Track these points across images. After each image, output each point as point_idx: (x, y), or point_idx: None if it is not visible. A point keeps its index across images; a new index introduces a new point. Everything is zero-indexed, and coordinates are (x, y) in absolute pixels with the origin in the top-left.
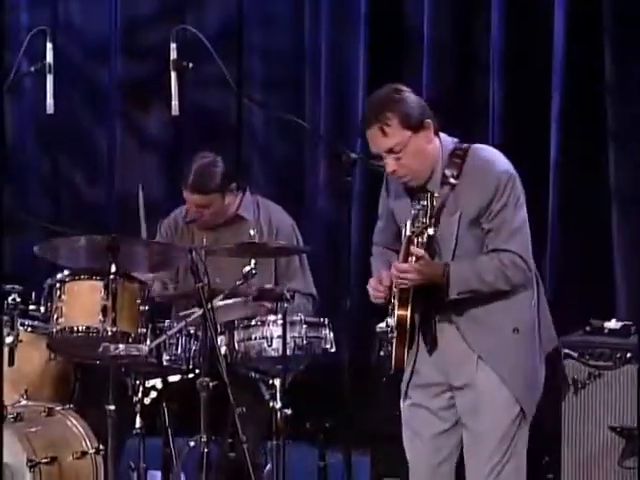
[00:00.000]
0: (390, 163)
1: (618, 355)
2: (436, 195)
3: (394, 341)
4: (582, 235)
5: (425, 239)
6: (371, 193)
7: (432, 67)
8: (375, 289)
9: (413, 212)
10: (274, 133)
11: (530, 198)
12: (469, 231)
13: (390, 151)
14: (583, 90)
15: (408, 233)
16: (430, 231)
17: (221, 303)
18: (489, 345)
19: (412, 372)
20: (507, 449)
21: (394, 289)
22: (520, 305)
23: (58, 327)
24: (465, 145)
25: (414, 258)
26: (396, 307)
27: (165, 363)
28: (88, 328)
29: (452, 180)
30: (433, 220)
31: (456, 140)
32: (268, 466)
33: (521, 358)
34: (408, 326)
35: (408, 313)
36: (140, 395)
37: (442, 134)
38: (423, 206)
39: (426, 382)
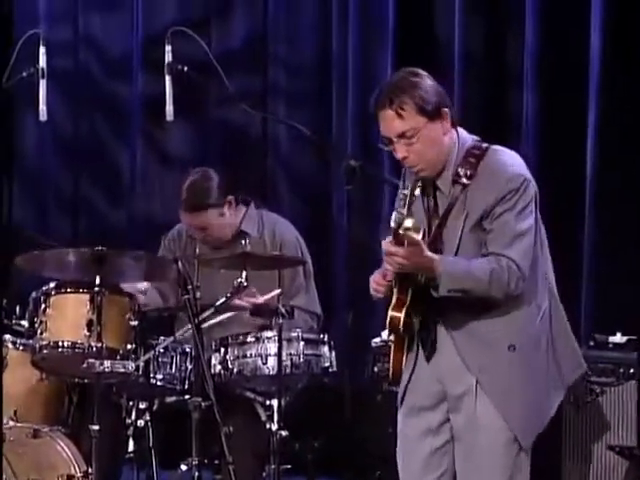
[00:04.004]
0: (401, 149)
1: (621, 370)
2: (419, 185)
3: (392, 346)
4: (621, 256)
5: (403, 231)
6: None
7: (463, 79)
8: (377, 283)
9: (397, 202)
10: (299, 148)
11: (565, 217)
12: (472, 234)
13: (402, 135)
14: (621, 104)
15: (392, 225)
16: (407, 223)
17: (215, 320)
18: (481, 361)
19: (410, 376)
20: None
21: (394, 289)
22: (520, 320)
23: (42, 342)
24: (485, 145)
25: (406, 243)
26: (390, 308)
27: (159, 383)
28: (73, 344)
29: (465, 180)
30: (410, 211)
31: (476, 138)
32: None
33: (517, 380)
34: (401, 329)
35: (402, 315)
36: (133, 417)
37: (461, 129)
38: (404, 195)
39: (423, 389)
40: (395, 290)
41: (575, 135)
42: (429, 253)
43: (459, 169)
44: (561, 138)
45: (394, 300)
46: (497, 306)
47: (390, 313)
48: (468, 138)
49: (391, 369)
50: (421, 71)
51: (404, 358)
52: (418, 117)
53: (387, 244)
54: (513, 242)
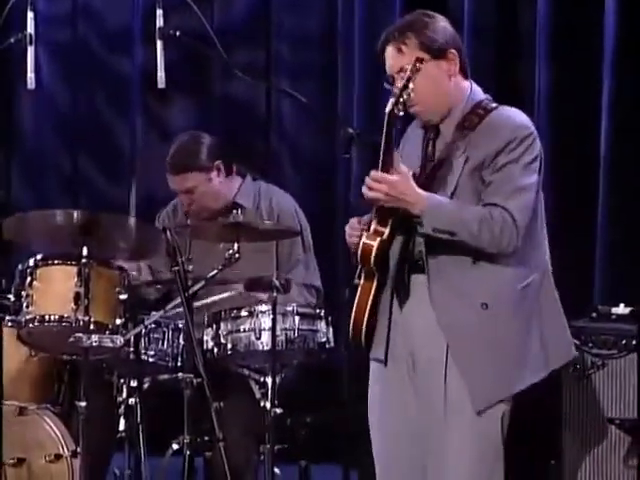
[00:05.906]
0: (400, 84)
1: (623, 342)
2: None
3: (358, 292)
4: (633, 232)
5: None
6: None
7: (473, 49)
8: (352, 228)
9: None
10: (303, 123)
11: (577, 191)
12: (470, 179)
13: (401, 70)
14: (636, 73)
15: (388, 109)
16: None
17: (211, 299)
18: (452, 316)
19: (387, 340)
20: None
21: (372, 221)
22: (498, 280)
23: (28, 317)
24: (496, 104)
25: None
26: (365, 237)
27: (150, 360)
28: (60, 317)
29: (469, 128)
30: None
31: (489, 97)
32: None
33: (484, 341)
34: (372, 261)
35: (375, 244)
36: (124, 395)
37: (476, 85)
38: (402, 77)
39: (396, 353)
40: (374, 222)
41: (589, 105)
42: (416, 187)
43: (465, 117)
44: (573, 110)
45: (371, 230)
46: (479, 259)
47: (363, 240)
48: (481, 94)
49: (352, 318)
50: (435, 14)
51: (369, 304)
52: (419, 52)
53: (374, 173)
54: (513, 195)
